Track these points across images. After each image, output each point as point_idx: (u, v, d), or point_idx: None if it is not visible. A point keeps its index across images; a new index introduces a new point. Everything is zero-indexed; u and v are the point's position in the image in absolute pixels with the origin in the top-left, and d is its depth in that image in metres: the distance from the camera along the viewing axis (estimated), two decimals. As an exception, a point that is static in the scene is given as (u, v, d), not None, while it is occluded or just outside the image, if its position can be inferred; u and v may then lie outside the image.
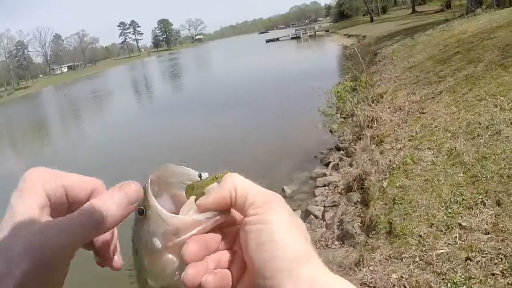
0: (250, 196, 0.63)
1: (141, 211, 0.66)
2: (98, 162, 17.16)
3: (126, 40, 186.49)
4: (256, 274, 0.60)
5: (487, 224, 4.69)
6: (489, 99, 7.98)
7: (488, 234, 4.54)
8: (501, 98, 7.75)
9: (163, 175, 0.71)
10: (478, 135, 6.74)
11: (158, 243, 0.65)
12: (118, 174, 14.63)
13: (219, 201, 0.64)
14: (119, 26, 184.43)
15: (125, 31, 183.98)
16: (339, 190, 8.84)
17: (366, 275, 4.81)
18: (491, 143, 6.31)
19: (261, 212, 0.61)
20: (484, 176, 5.51)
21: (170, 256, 0.65)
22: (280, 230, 0.60)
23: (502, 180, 5.27)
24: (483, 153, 6.10)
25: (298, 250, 0.60)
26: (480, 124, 7.10)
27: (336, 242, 6.75)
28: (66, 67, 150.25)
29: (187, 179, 0.72)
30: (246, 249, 0.61)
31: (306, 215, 8.28)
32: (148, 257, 0.67)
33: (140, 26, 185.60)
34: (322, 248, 6.73)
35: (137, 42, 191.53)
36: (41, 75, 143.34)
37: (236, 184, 0.64)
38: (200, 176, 0.73)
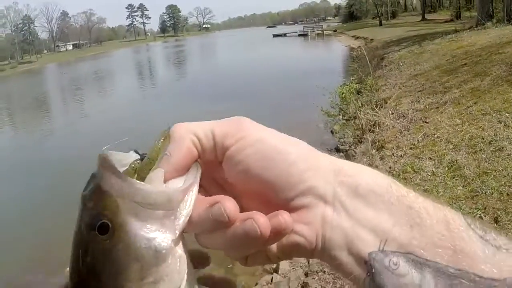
0: (216, 132, 0.57)
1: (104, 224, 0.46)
2: (91, 143, 17.19)
3: (133, 23, 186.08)
4: (275, 193, 0.54)
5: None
6: (494, 115, 7.96)
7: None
8: (506, 114, 7.74)
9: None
10: (480, 150, 6.74)
11: (160, 241, 0.47)
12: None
13: (185, 157, 0.55)
14: (127, 8, 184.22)
15: (133, 14, 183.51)
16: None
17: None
18: (493, 159, 6.31)
19: (243, 136, 0.56)
20: (483, 192, 5.51)
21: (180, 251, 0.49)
22: (277, 139, 0.57)
23: (502, 197, 5.27)
24: (484, 168, 6.10)
25: (306, 148, 0.58)
26: (483, 138, 7.09)
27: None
28: (71, 45, 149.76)
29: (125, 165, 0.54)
30: (249, 177, 0.54)
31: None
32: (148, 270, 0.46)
33: (148, 10, 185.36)
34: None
35: (144, 26, 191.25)
36: (45, 51, 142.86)
37: (191, 131, 0.57)
38: (137, 153, 0.57)
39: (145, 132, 17.61)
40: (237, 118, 0.59)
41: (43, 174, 14.24)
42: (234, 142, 0.56)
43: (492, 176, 5.81)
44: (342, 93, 13.47)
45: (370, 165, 7.89)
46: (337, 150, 11.77)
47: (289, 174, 0.54)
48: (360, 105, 12.74)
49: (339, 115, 13.51)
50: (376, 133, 10.25)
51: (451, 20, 46.55)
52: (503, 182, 5.56)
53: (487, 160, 6.33)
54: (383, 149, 8.78)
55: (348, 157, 10.61)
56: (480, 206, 5.24)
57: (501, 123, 7.48)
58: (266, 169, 0.54)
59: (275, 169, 0.54)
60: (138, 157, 0.56)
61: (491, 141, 6.88)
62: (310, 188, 0.54)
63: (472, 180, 5.91)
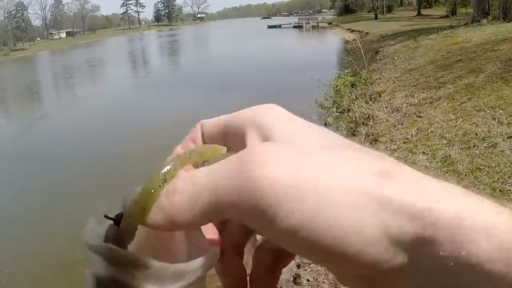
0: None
1: None
2: (80, 131, 17.15)
3: (128, 11, 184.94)
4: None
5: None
6: (488, 111, 8.00)
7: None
8: (500, 111, 7.78)
9: None
10: (474, 146, 6.77)
11: None
12: (96, 146, 14.63)
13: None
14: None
15: (127, 2, 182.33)
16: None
17: None
18: (486, 155, 6.34)
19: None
20: (476, 187, 5.49)
21: None
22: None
23: (494, 193, 5.29)
24: (478, 164, 6.13)
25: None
26: (476, 134, 7.12)
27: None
28: (64, 33, 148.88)
29: None
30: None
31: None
32: None
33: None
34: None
35: (138, 15, 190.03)
36: (38, 39, 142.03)
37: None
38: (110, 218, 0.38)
39: (134, 123, 17.63)
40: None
41: (30, 161, 14.14)
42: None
43: (485, 172, 5.84)
44: (337, 86, 13.46)
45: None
46: (331, 143, 11.79)
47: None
48: (354, 98, 12.75)
49: (333, 107, 13.50)
50: (370, 126, 10.26)
51: (447, 16, 46.74)
52: (496, 178, 5.60)
53: (481, 156, 6.36)
54: (377, 142, 8.79)
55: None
56: (473, 202, 5.25)
57: (495, 119, 7.51)
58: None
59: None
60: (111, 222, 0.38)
61: (485, 137, 6.91)
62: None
63: (465, 175, 5.94)
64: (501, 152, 6.29)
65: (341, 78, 14.45)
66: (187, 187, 0.35)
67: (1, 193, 11.49)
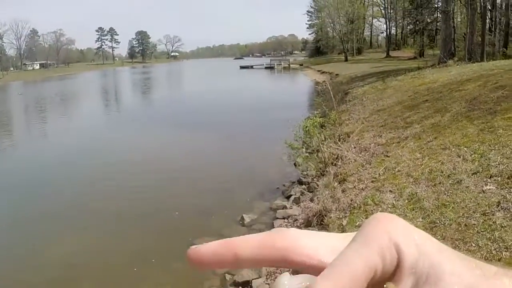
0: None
1: None
2: (40, 166, 16.90)
3: (102, 47, 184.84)
4: None
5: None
6: (453, 149, 8.14)
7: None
8: (465, 149, 7.92)
9: None
10: (440, 183, 6.85)
11: None
12: (52, 187, 14.37)
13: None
14: (97, 31, 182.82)
15: (103, 37, 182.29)
16: (298, 224, 8.79)
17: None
18: (451, 191, 6.42)
19: None
20: (442, 223, 5.60)
21: None
22: None
23: (460, 228, 5.35)
24: (443, 200, 6.20)
25: None
26: (442, 172, 7.22)
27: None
28: (38, 64, 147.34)
29: None
30: None
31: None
32: None
33: (118, 35, 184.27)
34: (273, 281, 6.70)
35: (112, 50, 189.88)
36: (12, 68, 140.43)
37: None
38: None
39: (102, 158, 17.42)
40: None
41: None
42: None
43: (451, 207, 5.90)
44: (306, 127, 13.55)
45: (332, 197, 7.96)
46: (300, 182, 11.81)
47: None
48: (323, 139, 12.84)
49: (303, 148, 13.55)
50: (339, 166, 10.34)
51: (415, 58, 47.93)
52: (461, 214, 5.66)
53: (446, 192, 6.44)
54: (345, 182, 8.86)
55: (310, 189, 10.67)
56: (439, 237, 5.28)
57: (460, 157, 7.64)
58: None
59: None
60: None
61: (450, 174, 7.01)
62: None
63: (432, 212, 5.99)
64: (466, 188, 6.38)
65: (311, 119, 14.56)
66: None
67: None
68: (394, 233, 0.38)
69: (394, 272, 0.38)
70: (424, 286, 0.37)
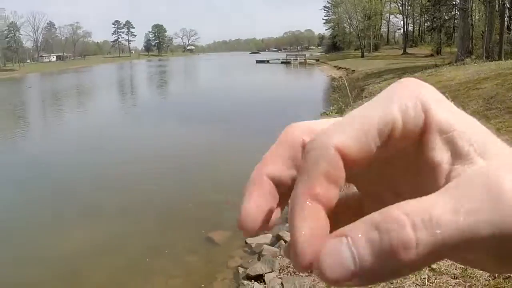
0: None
1: None
2: (57, 160, 16.99)
3: (119, 39, 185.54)
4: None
5: (456, 269, 4.74)
6: (470, 148, 8.07)
7: (456, 278, 4.59)
8: (481, 148, 7.85)
9: None
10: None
11: None
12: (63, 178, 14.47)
13: None
14: (113, 24, 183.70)
15: (119, 30, 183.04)
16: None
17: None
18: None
19: None
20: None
21: None
22: None
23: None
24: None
25: None
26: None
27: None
28: (54, 56, 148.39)
29: None
30: None
31: (277, 240, 8.24)
32: None
33: (134, 28, 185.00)
34: (289, 274, 6.72)
35: (129, 43, 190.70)
36: (28, 60, 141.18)
37: None
38: None
39: (114, 151, 17.49)
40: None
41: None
42: None
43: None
44: (321, 122, 13.54)
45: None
46: (315, 177, 11.80)
47: None
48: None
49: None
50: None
51: (432, 55, 47.57)
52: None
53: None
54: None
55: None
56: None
57: (476, 156, 7.58)
58: None
59: None
60: None
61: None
62: None
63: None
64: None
65: (327, 114, 14.56)
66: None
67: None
68: (422, 94, 0.35)
69: (420, 135, 0.34)
70: (465, 162, 0.32)
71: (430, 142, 0.34)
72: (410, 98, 0.34)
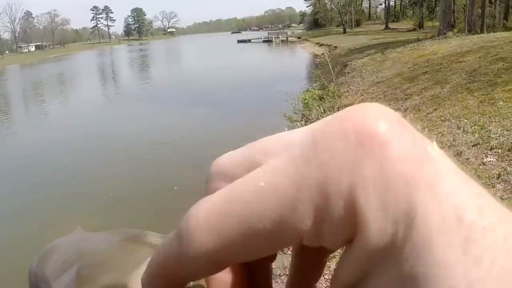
0: None
1: None
2: (44, 145, 16.88)
3: (98, 25, 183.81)
4: None
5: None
6: (453, 121, 8.07)
7: None
8: (465, 120, 7.85)
9: None
10: (440, 155, 6.79)
11: None
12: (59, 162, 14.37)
13: None
14: (92, 10, 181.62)
15: (98, 16, 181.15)
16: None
17: None
18: (451, 164, 6.35)
19: None
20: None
21: None
22: None
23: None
24: (443, 173, 6.14)
25: None
26: (442, 143, 7.15)
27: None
28: (34, 46, 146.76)
29: None
30: None
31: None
32: None
33: (113, 13, 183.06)
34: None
35: (108, 29, 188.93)
36: (7, 52, 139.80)
37: None
38: None
39: (103, 139, 17.36)
40: None
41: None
42: None
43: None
44: (305, 99, 13.52)
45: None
46: (299, 155, 11.76)
47: None
48: (323, 111, 12.79)
49: (302, 120, 13.49)
50: (338, 138, 10.26)
51: (414, 30, 47.74)
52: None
53: (446, 165, 6.37)
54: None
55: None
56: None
57: (460, 128, 7.57)
58: None
59: None
60: None
61: (450, 146, 6.95)
62: None
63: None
64: (466, 159, 6.34)
65: (310, 91, 14.51)
66: None
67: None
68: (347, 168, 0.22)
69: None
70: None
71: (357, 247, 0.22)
72: (343, 184, 0.22)
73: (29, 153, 15.94)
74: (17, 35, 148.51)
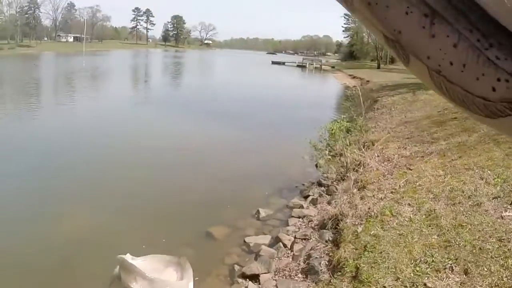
0: None
1: None
2: (66, 135, 17.25)
3: (137, 27, 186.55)
4: None
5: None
6: (476, 170, 8.11)
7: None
8: (488, 171, 7.90)
9: None
10: (459, 203, 6.86)
11: None
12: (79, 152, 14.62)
13: None
14: (133, 11, 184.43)
15: (138, 18, 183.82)
16: (313, 225, 8.86)
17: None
18: (470, 213, 6.42)
19: None
20: (457, 243, 5.61)
21: None
22: None
23: (474, 250, 5.37)
24: (461, 221, 6.21)
25: None
26: (463, 192, 7.22)
27: (300, 275, 6.80)
28: (72, 37, 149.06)
29: None
30: None
31: (275, 242, 8.29)
32: None
33: (154, 16, 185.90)
34: (284, 277, 6.79)
35: (147, 31, 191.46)
36: (45, 38, 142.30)
37: None
38: None
39: (120, 138, 17.59)
40: None
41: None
42: None
43: (468, 229, 5.92)
44: (332, 129, 13.59)
45: (350, 203, 8.01)
46: (319, 184, 11.86)
47: None
48: (348, 144, 12.86)
49: (326, 150, 13.56)
50: (360, 173, 10.37)
51: (448, 75, 47.40)
52: (477, 236, 5.68)
53: (465, 213, 6.45)
54: (365, 189, 8.90)
55: (329, 192, 10.72)
56: (452, 257, 5.33)
57: (482, 179, 7.62)
58: None
59: None
60: None
61: (471, 195, 7.01)
62: None
63: (448, 230, 6.02)
64: (485, 211, 6.38)
65: (338, 122, 14.57)
66: None
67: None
68: None
69: None
70: None
71: None
72: None
73: (48, 141, 16.25)
74: (57, 24, 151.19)
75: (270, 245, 8.24)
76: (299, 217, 9.57)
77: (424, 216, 6.72)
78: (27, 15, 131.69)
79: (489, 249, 5.41)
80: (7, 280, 6.99)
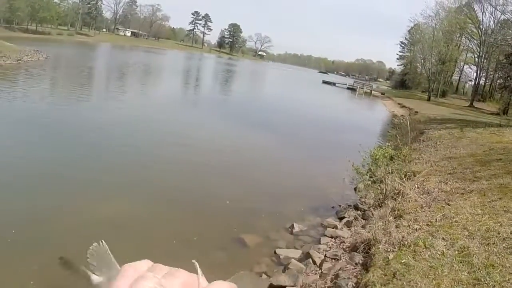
0: None
1: None
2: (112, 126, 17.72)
3: (194, 30, 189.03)
4: None
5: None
6: (515, 214, 8.12)
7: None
8: (526, 217, 7.90)
9: None
10: (493, 243, 6.90)
11: None
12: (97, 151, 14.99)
13: None
14: (193, 14, 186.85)
15: (197, 21, 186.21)
16: (344, 246, 8.95)
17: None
18: (503, 254, 6.46)
19: None
20: (486, 283, 5.67)
21: None
22: None
23: (502, 292, 5.44)
24: (493, 261, 6.26)
25: None
26: (499, 233, 7.26)
27: (325, 293, 6.92)
28: (130, 32, 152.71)
29: None
30: None
31: (305, 257, 8.40)
32: None
33: (212, 22, 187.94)
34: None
35: (203, 35, 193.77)
36: (104, 30, 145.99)
37: None
38: None
39: (162, 136, 17.92)
40: None
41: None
42: None
43: (499, 270, 5.97)
44: (376, 155, 13.65)
45: (384, 230, 8.10)
46: (356, 207, 11.91)
47: None
48: (390, 171, 12.89)
49: (367, 175, 13.60)
50: (398, 202, 10.40)
51: (497, 114, 46.56)
52: (507, 279, 5.73)
53: (498, 254, 6.49)
54: (401, 218, 8.95)
55: (364, 217, 10.80)
56: (480, 296, 5.41)
57: (520, 223, 7.63)
58: None
59: None
60: None
61: (506, 237, 7.04)
62: None
63: (478, 269, 6.08)
64: (517, 255, 6.42)
65: (382, 148, 14.62)
66: None
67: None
68: None
69: None
70: None
71: None
72: None
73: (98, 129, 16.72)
74: (117, 17, 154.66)
75: (300, 260, 8.33)
76: (331, 237, 9.66)
77: (456, 252, 6.77)
78: (89, 5, 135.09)
79: (518, 292, 5.47)
80: (44, 257, 7.24)
